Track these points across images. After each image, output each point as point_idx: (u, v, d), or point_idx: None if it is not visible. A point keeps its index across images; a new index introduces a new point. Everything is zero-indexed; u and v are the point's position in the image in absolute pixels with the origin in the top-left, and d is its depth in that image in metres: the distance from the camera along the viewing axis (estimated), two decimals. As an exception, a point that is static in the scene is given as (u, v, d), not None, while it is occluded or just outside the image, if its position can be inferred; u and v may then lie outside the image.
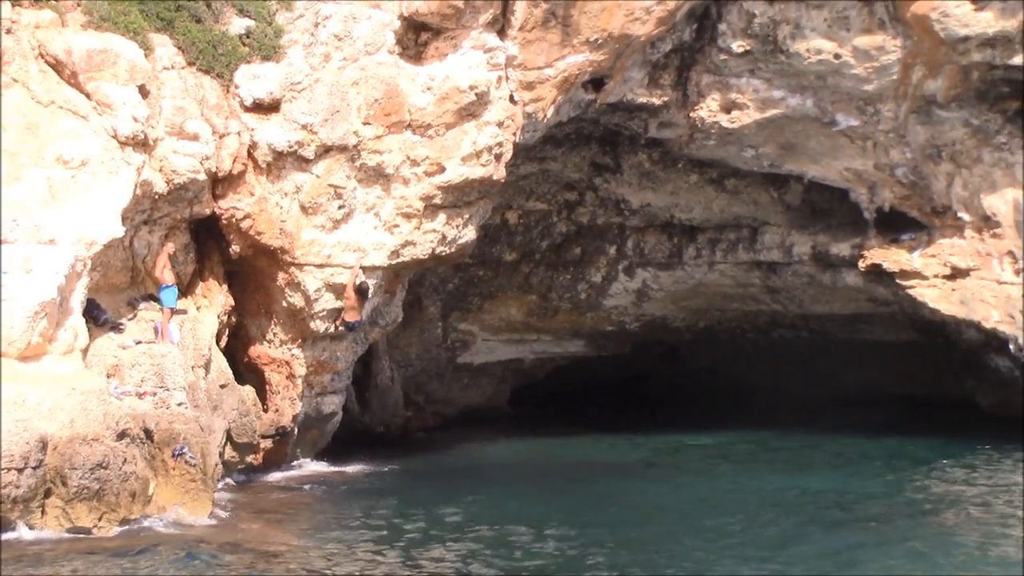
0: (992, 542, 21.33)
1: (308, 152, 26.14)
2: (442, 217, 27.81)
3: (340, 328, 27.35)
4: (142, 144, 23.83)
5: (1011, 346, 32.55)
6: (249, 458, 26.06)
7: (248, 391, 26.42)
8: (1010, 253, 32.05)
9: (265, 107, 26.00)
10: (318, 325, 27.27)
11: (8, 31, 23.13)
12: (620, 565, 19.83)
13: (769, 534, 22.61)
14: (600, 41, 28.53)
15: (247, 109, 25.91)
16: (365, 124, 26.56)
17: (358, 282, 26.70)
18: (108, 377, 22.76)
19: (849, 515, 24.37)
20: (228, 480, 25.60)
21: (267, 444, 27.00)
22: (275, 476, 27.54)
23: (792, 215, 35.73)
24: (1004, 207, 31.98)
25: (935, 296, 33.07)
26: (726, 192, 35.75)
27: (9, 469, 19.74)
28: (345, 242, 26.87)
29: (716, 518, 23.87)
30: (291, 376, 27.71)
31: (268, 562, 19.42)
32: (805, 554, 20.55)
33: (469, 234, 28.64)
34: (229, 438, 25.09)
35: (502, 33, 27.81)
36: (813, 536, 22.32)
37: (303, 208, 26.40)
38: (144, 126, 23.78)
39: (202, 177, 25.00)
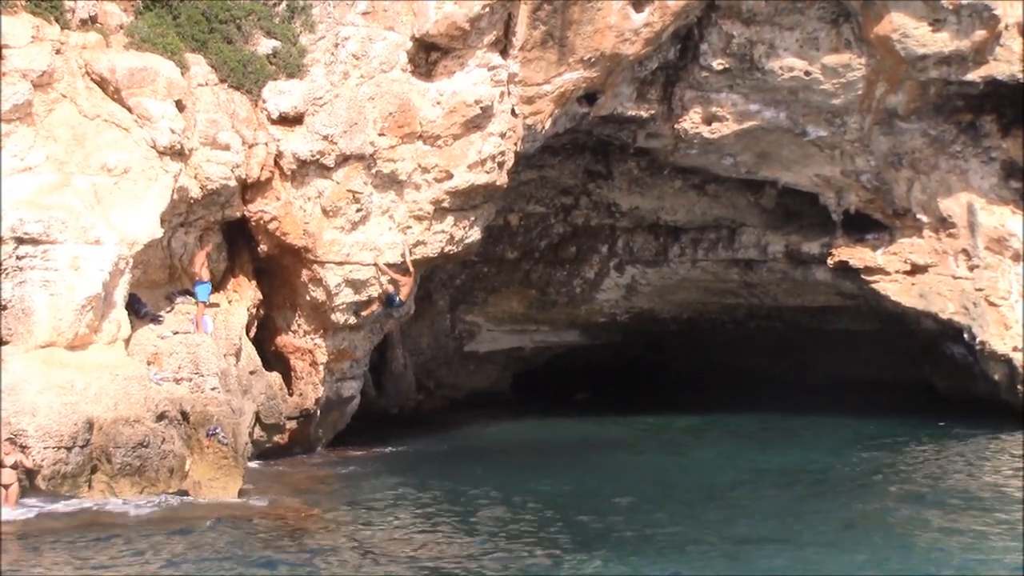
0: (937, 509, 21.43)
1: (329, 161, 26.05)
2: (450, 219, 27.73)
3: (384, 303, 27.26)
4: (179, 154, 23.77)
5: (965, 335, 32.51)
6: (276, 438, 25.99)
7: (275, 377, 26.37)
8: (964, 251, 32.01)
9: (290, 120, 25.89)
10: (338, 317, 27.19)
11: (58, 51, 23.05)
12: (605, 520, 20.33)
13: (733, 497, 22.88)
14: (593, 60, 28.44)
15: (273, 122, 25.80)
16: (380, 135, 26.47)
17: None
18: (148, 364, 22.72)
19: (810, 485, 24.44)
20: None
21: (292, 425, 26.92)
22: (304, 457, 27.54)
23: (767, 217, 35.65)
24: (958, 209, 31.94)
25: (896, 290, 33.02)
26: (707, 196, 35.68)
27: (59, 448, 19.73)
28: (363, 242, 26.79)
29: (692, 485, 24.18)
30: (314, 363, 27.64)
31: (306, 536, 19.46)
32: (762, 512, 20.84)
33: (475, 235, 28.57)
34: (258, 420, 25.01)
35: (504, 53, 27.71)
36: (770, 499, 22.52)
37: (324, 211, 26.31)
38: (180, 137, 23.72)
39: (233, 184, 24.92)
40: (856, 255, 33.37)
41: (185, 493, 21.03)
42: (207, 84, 24.93)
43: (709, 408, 36.85)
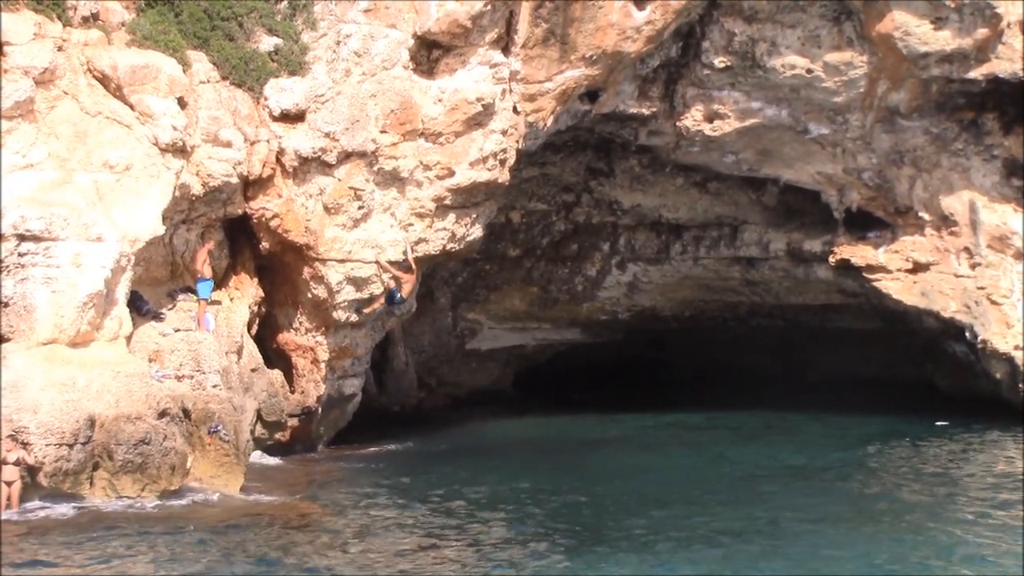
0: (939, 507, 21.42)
1: (331, 158, 26.06)
2: (452, 217, 27.74)
3: (386, 301, 27.30)
4: (180, 151, 23.77)
5: (966, 333, 32.50)
6: (277, 435, 26.02)
7: (276, 374, 26.39)
8: (966, 249, 32.01)
9: (292, 117, 25.91)
10: (340, 314, 27.20)
11: (60, 48, 23.05)
12: (605, 518, 20.33)
13: (733, 495, 22.86)
14: (595, 58, 28.44)
15: (275, 119, 25.82)
16: (382, 132, 26.48)
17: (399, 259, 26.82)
18: (150, 362, 22.73)
19: (810, 483, 24.45)
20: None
21: (294, 423, 26.94)
22: (305, 455, 27.53)
23: (769, 215, 35.65)
24: (960, 207, 31.94)
25: (898, 288, 33.02)
26: (709, 194, 35.70)
27: (60, 445, 19.74)
28: (364, 239, 26.80)
29: (692, 483, 24.17)
30: (315, 361, 27.65)
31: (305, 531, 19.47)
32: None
33: (477, 232, 28.58)
34: (259, 417, 25.03)
35: (506, 50, 27.71)
36: (770, 496, 22.51)
37: (326, 208, 26.33)
38: (182, 134, 23.72)
39: (235, 181, 24.93)
40: (858, 253, 33.37)
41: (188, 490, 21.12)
42: (209, 81, 24.92)
43: (710, 406, 36.87)
